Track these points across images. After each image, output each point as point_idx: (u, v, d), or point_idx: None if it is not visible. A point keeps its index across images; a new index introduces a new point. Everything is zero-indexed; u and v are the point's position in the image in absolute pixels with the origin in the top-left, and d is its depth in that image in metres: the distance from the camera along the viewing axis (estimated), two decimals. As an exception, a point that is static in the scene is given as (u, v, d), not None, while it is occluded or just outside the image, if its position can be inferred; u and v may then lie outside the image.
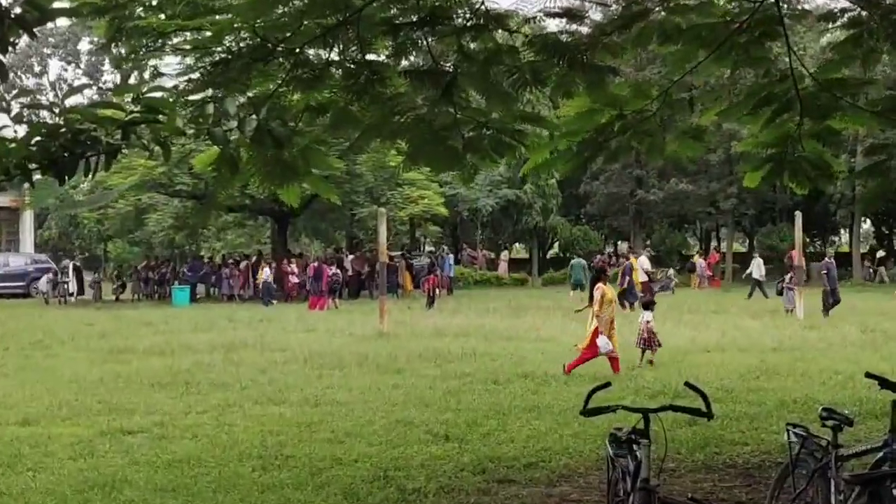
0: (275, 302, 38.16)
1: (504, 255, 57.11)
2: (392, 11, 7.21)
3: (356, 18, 6.91)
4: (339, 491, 8.70)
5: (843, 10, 8.10)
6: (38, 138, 5.16)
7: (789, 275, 29.41)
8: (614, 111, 8.41)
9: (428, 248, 62.23)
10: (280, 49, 7.10)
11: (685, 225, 65.19)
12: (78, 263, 48.87)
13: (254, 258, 45.72)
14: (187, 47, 7.15)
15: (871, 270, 50.86)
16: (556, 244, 64.94)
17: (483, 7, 7.30)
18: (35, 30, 4.96)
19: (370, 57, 7.56)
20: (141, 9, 7.04)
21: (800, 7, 8.59)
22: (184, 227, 42.77)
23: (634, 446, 5.51)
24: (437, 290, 35.85)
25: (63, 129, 5.18)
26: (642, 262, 34.53)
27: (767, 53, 8.39)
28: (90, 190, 47.28)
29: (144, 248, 56.36)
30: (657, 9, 7.69)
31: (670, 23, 7.74)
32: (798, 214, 29.47)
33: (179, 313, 33.22)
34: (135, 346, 21.25)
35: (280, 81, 7.43)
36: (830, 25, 8.49)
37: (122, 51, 7.40)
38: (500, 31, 7.64)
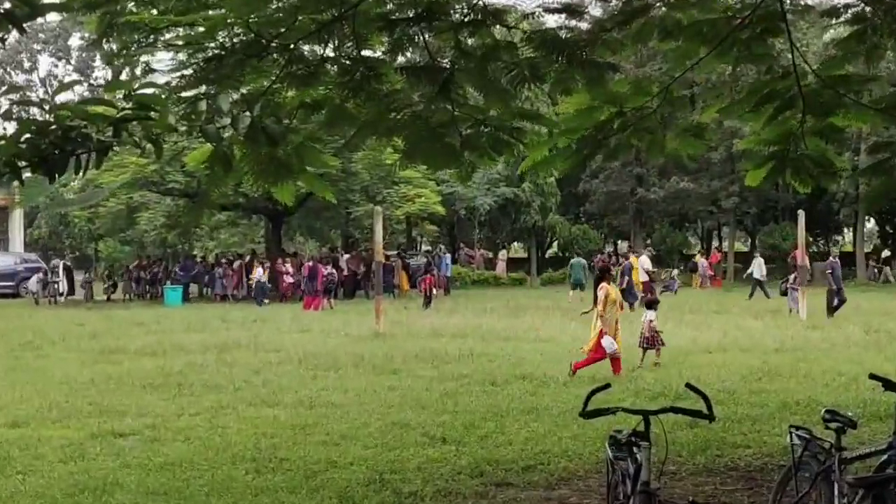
0: (267, 301, 38.17)
1: (502, 254, 57.11)
2: (388, 7, 7.21)
3: (352, 14, 6.90)
4: (334, 494, 8.70)
5: (847, 6, 8.11)
6: (27, 135, 5.16)
7: (793, 275, 29.38)
8: (614, 108, 8.40)
9: (425, 248, 62.27)
10: (274, 45, 7.09)
11: (686, 224, 65.21)
12: (68, 263, 48.89)
13: (247, 257, 45.70)
14: (180, 43, 7.14)
15: (875, 270, 50.91)
16: (555, 243, 64.96)
17: (481, 2, 7.30)
18: (25, 25, 4.96)
19: (366, 53, 7.55)
20: (133, 4, 7.03)
21: (802, 2, 8.57)
22: (176, 225, 42.76)
23: (635, 449, 5.52)
24: (434, 290, 35.85)
25: (53, 127, 5.18)
26: (643, 262, 34.58)
27: (770, 50, 8.39)
28: (81, 188, 47.29)
29: (136, 247, 56.31)
30: (658, 4, 7.69)
31: (671, 18, 7.74)
32: (801, 213, 29.45)
33: (172, 313, 33.20)
34: (126, 347, 21.24)
35: (274, 78, 7.42)
36: (833, 21, 8.50)
37: (114, 46, 7.38)
38: (498, 26, 7.64)
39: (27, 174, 5.40)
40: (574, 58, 7.47)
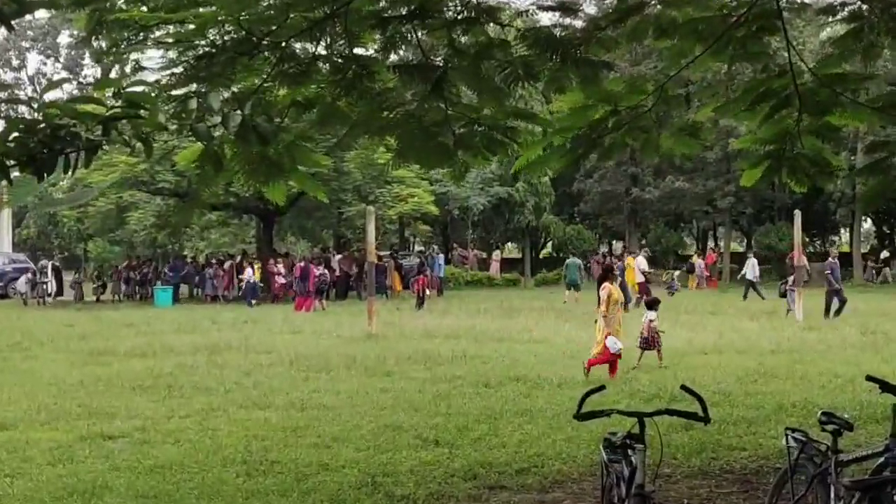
0: (254, 302, 38.14)
1: (496, 254, 57.10)
2: (381, 4, 7.21)
3: (344, 11, 6.90)
4: (326, 498, 8.69)
5: (843, 4, 8.12)
6: (16, 134, 5.15)
7: (792, 276, 29.37)
8: (609, 107, 8.41)
9: (417, 248, 62.36)
10: (265, 43, 7.09)
11: (681, 224, 65.29)
12: (57, 263, 48.87)
13: (238, 258, 45.68)
14: (170, 41, 7.13)
15: (874, 271, 50.99)
16: (550, 244, 65.03)
17: (474, 0, 7.30)
18: (13, 22, 4.95)
19: (358, 51, 7.55)
20: (122, 1, 7.02)
21: (799, 0, 8.58)
22: (166, 225, 42.70)
23: (629, 451, 5.52)
24: (427, 291, 35.80)
25: (42, 125, 5.18)
26: (640, 263, 34.56)
27: (766, 48, 8.41)
28: (70, 187, 47.22)
29: (126, 247, 56.28)
30: (653, 2, 7.69)
31: (666, 17, 7.75)
32: (797, 213, 29.49)
33: (162, 314, 33.16)
34: (116, 348, 21.21)
35: (265, 76, 7.42)
36: (830, 19, 8.51)
37: (103, 44, 7.37)
38: (491, 24, 7.64)
39: (15, 173, 5.39)
40: (568, 56, 7.48)
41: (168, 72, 7.21)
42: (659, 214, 58.03)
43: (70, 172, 5.38)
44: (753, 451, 10.38)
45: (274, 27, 6.95)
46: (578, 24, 7.77)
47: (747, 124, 9.56)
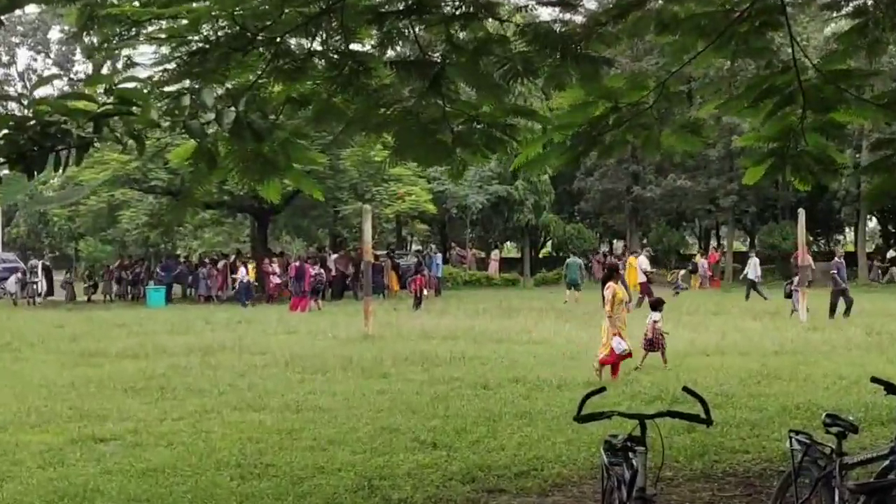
0: (248, 303, 38.13)
1: (494, 254, 57.15)
2: (377, -1, 7.21)
3: (340, 6, 6.89)
4: (322, 501, 8.70)
5: (848, -1, 8.13)
6: (5, 131, 5.14)
7: (797, 276, 29.34)
8: (609, 104, 8.40)
9: (415, 247, 62.29)
10: (260, 38, 7.08)
11: (683, 223, 65.31)
12: (47, 263, 48.86)
13: (232, 257, 45.68)
14: (162, 36, 7.12)
15: (879, 270, 50.99)
16: (549, 243, 65.03)
17: (472, -5, 7.29)
18: (2, 17, 4.94)
19: (354, 47, 7.54)
20: (114, -5, 7.01)
21: (803, -5, 8.59)
22: (159, 224, 42.70)
23: (630, 454, 5.52)
24: (425, 291, 35.85)
25: (32, 122, 5.17)
26: (641, 262, 34.53)
27: (769, 44, 8.41)
28: (61, 186, 47.23)
29: (117, 246, 56.22)
30: (654, -3, 7.70)
31: (668, 12, 7.75)
32: (801, 212, 29.42)
33: (154, 315, 33.16)
34: (107, 350, 21.21)
35: (260, 72, 7.41)
36: (834, 15, 8.52)
37: (94, 40, 7.36)
38: (490, 20, 7.63)
39: (5, 171, 5.39)
40: (568, 52, 7.47)
41: (161, 68, 7.20)
42: (660, 213, 58.05)
43: (61, 170, 5.37)
44: (756, 454, 10.39)
45: (269, 22, 6.94)
46: (578, 19, 7.78)
47: (750, 121, 9.56)
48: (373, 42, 7.64)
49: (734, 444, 10.83)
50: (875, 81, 9.12)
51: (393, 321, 27.81)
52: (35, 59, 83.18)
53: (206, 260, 47.11)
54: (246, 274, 39.76)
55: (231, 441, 11.26)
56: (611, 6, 7.83)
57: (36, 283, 43.76)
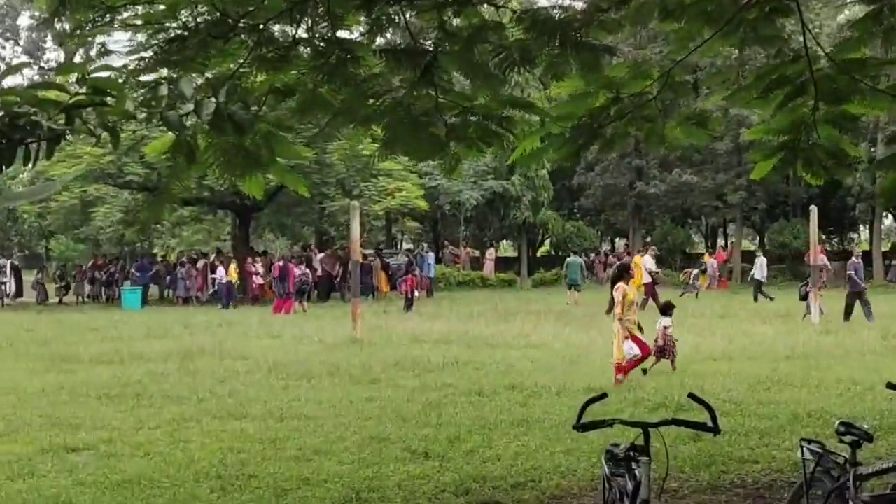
0: (231, 304, 38.11)
1: (490, 253, 57.12)
2: (366, -17, 7.20)
3: (326, -9, 6.90)
4: (307, 514, 8.70)
5: (863, -16, 8.14)
6: (-29, 123, 5.13)
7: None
8: (611, 94, 8.41)
9: (406, 246, 62.31)
10: (242, 25, 7.08)
11: (689, 220, 65.43)
12: (16, 262, 48.79)
13: (212, 257, 45.65)
14: (138, 22, 7.12)
15: (897, 271, 51.10)
16: (548, 241, 65.08)
17: (467, -22, 7.30)
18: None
19: (342, 34, 7.54)
20: (87, -22, 7.00)
21: (815, -20, 8.60)
22: (135, 221, 42.60)
23: (633, 464, 5.52)
24: (416, 292, 35.87)
25: (0, 114, 5.16)
26: (646, 262, 34.52)
27: (779, 31, 8.40)
28: (30, 181, 47.15)
29: (91, 245, 56.17)
30: (658, -18, 7.70)
31: (673, -3, 7.76)
32: (813, 209, 29.45)
33: (130, 317, 33.14)
34: (80, 354, 21.19)
35: (242, 61, 7.41)
36: (848, 1, 8.52)
37: (66, 26, 7.34)
38: (485, 5, 7.64)
39: (-29, 165, 5.38)
40: (568, 40, 7.47)
41: (136, 56, 7.19)
42: (665, 210, 58.17)
43: (30, 164, 5.36)
44: (766, 464, 10.40)
45: (251, 8, 6.94)
46: (579, 5, 7.80)
47: (760, 113, 9.58)
48: (361, 29, 7.65)
49: (743, 453, 10.85)
50: (891, 71, 9.13)
51: (382, 324, 27.81)
52: (3, 47, 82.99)
53: (185, 259, 47.05)
54: (225, 274, 39.73)
55: (211, 451, 11.25)
56: (613, -9, 7.83)
57: (4, 283, 43.74)
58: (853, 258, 29.59)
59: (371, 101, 7.98)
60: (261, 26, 7.19)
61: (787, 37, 8.82)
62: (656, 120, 8.88)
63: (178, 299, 43.67)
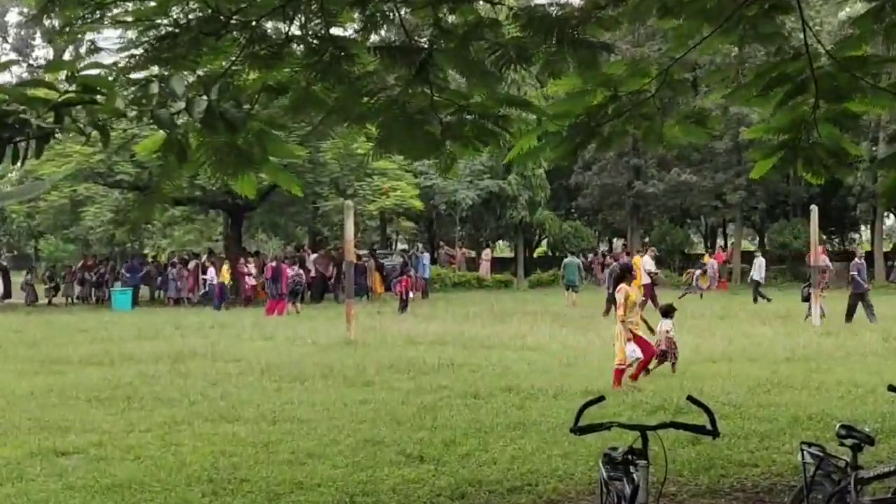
0: (223, 306, 38.07)
1: (486, 253, 57.13)
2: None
3: (320, -13, 6.89)
4: (301, 519, 8.70)
5: (864, -20, 8.14)
6: (-41, 121, 5.13)
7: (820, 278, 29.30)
8: (608, 92, 8.41)
9: (400, 246, 62.31)
10: (234, 22, 7.07)
11: (688, 220, 65.44)
12: (5, 263, 48.73)
13: (203, 257, 45.62)
14: (129, 19, 7.11)
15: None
16: (545, 241, 65.09)
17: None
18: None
19: (335, 31, 7.54)
20: (77, -25, 7.00)
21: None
22: (125, 221, 42.55)
23: (631, 468, 5.52)
24: (411, 293, 35.87)
25: (-13, 112, 5.15)
26: (645, 262, 34.50)
27: (779, 28, 8.41)
28: (19, 180, 47.04)
29: (80, 245, 56.15)
30: (657, -22, 7.70)
31: (671, -7, 7.76)
32: (814, 209, 29.47)
33: (120, 319, 33.11)
34: (70, 356, 21.16)
35: (234, 58, 7.40)
36: (849, -3, 8.54)
37: (56, 23, 7.34)
38: (481, 2, 7.64)
39: (-41, 164, 5.37)
40: (565, 37, 7.48)
41: (127, 53, 7.19)
42: (663, 210, 58.17)
43: (19, 163, 5.36)
44: (766, 468, 10.41)
45: (243, 5, 6.94)
46: (576, 2, 7.79)
47: (759, 111, 9.59)
48: (355, 26, 7.64)
49: (742, 457, 10.85)
50: (892, 68, 9.13)
51: (377, 326, 27.81)
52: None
53: (176, 260, 47.02)
54: (215, 275, 39.69)
55: (203, 454, 11.24)
56: (610, -13, 7.83)
57: (-7, 284, 43.67)
58: (856, 259, 29.55)
59: (365, 99, 7.98)
60: (253, 23, 7.19)
61: (788, 34, 8.82)
62: (655, 118, 8.88)
63: (169, 300, 43.66)
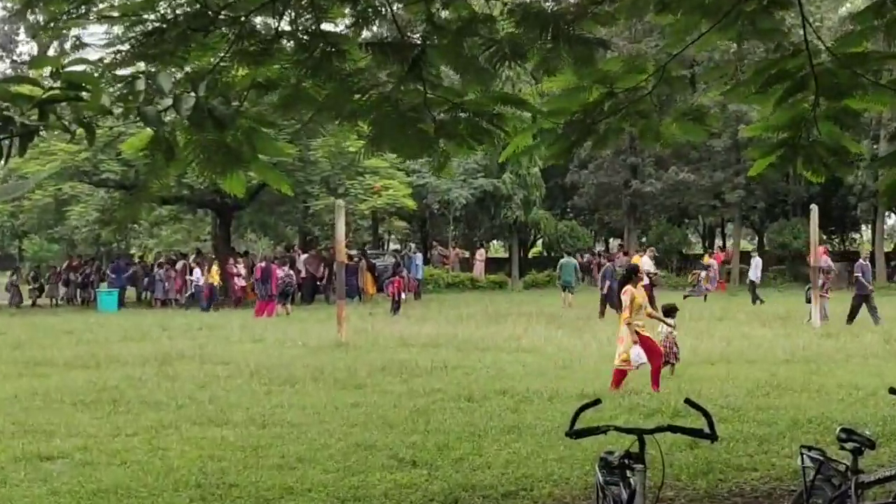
0: (211, 308, 38.06)
1: (480, 253, 57.16)
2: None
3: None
4: (291, 524, 8.69)
5: (864, -24, 8.15)
6: (-59, 119, 5.12)
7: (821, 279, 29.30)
8: (604, 89, 8.42)
9: (393, 246, 62.27)
10: (222, 17, 7.07)
11: (686, 220, 65.47)
12: (-12, 263, 48.54)
13: (191, 257, 45.58)
14: (115, 14, 7.10)
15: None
16: (540, 241, 65.13)
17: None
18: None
19: (326, 27, 7.54)
20: (61, -32, 6.99)
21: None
22: (111, 221, 42.45)
23: (628, 472, 5.53)
24: (403, 294, 35.86)
25: (-30, 109, 5.14)
26: (644, 263, 34.50)
27: (778, 24, 8.42)
28: (2, 179, 46.95)
29: (66, 245, 56.02)
30: (654, -27, 7.71)
31: (668, -11, 7.76)
32: (814, 208, 29.49)
33: (106, 320, 33.08)
34: (54, 359, 21.13)
35: (222, 54, 7.39)
36: (849, -7, 8.55)
37: (40, 18, 7.33)
38: (475, -3, 7.64)
39: (-60, 162, 5.36)
40: (560, 33, 7.48)
41: (113, 49, 7.18)
42: (661, 209, 58.19)
43: (3, 161, 5.35)
44: (765, 472, 10.42)
45: (232, 0, 6.93)
46: (572, -3, 7.79)
47: (758, 109, 9.59)
48: (346, 21, 7.63)
49: (741, 461, 10.86)
50: (893, 65, 9.15)
51: (368, 327, 27.82)
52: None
53: (163, 260, 46.96)
54: (201, 276, 39.65)
55: (190, 459, 11.23)
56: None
57: (-25, 286, 43.60)
58: (861, 260, 29.51)
59: (357, 96, 7.97)
60: (242, 18, 7.18)
61: (787, 30, 8.84)
62: (652, 116, 8.89)
63: (156, 301, 43.61)
